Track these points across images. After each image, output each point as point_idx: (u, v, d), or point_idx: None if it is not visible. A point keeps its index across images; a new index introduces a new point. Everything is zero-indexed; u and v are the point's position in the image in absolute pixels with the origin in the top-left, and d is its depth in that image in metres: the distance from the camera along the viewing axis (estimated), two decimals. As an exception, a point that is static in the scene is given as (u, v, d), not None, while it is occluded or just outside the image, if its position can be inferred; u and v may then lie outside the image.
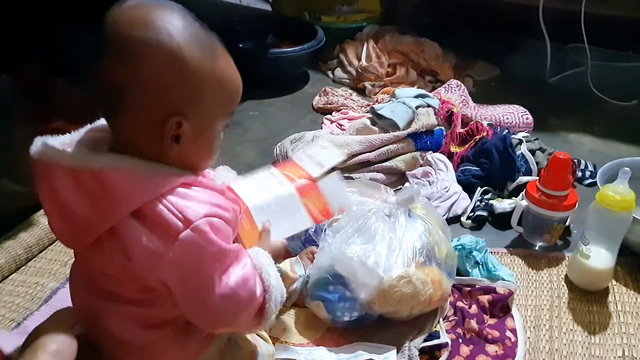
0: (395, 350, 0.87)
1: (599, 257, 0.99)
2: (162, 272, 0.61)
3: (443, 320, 0.94)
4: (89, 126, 0.67)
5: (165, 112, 0.60)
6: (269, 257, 0.71)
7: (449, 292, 0.95)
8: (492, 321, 0.95)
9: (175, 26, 0.60)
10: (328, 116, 1.63)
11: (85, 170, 0.60)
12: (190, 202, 0.61)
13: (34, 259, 1.07)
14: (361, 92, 1.78)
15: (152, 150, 0.62)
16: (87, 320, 0.70)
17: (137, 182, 0.60)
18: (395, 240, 0.93)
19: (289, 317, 0.95)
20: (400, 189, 1.29)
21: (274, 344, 0.86)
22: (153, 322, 0.67)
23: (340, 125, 1.57)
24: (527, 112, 1.50)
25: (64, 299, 0.96)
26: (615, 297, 1.00)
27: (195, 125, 0.63)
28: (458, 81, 1.57)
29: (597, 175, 1.16)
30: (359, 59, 1.85)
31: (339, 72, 1.88)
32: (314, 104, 1.71)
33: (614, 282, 1.03)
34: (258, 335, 0.80)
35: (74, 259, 0.72)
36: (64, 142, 0.63)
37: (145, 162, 0.61)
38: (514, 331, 0.92)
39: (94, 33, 0.61)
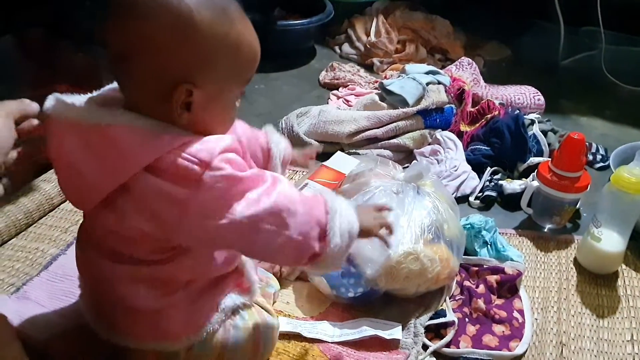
0: (400, 327, 0.85)
1: (610, 240, 0.97)
2: (189, 221, 0.58)
3: (450, 299, 0.93)
4: (109, 85, 0.65)
5: (173, 79, 0.58)
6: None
7: (456, 271, 0.94)
8: (499, 301, 0.93)
9: None
10: (335, 92, 1.60)
11: (91, 126, 0.57)
12: (202, 145, 0.58)
13: (34, 225, 1.05)
14: (369, 68, 1.75)
15: (163, 115, 0.59)
16: (97, 286, 0.68)
17: (145, 139, 0.57)
18: (403, 217, 0.91)
19: (293, 291, 0.94)
20: (408, 166, 1.27)
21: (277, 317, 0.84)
22: (166, 287, 0.66)
23: (347, 101, 1.54)
24: (539, 93, 1.47)
25: (64, 266, 0.95)
26: (624, 281, 0.99)
27: (208, 93, 0.60)
28: (469, 59, 1.54)
29: (611, 158, 1.14)
30: (368, 35, 1.81)
31: (346, 48, 1.85)
32: (321, 79, 1.67)
33: (624, 266, 1.01)
34: (263, 308, 0.78)
35: (81, 222, 0.70)
36: (80, 99, 0.61)
37: (155, 121, 0.59)
38: (521, 312, 0.91)
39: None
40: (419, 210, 0.92)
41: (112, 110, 0.59)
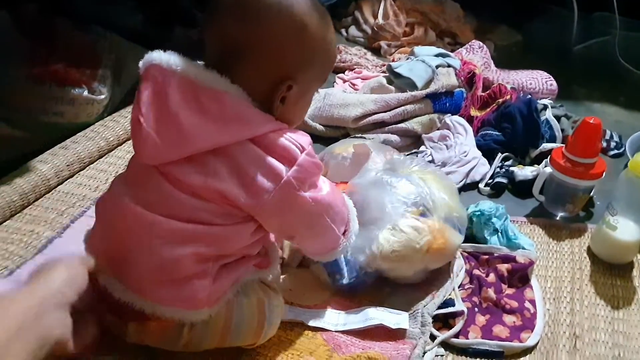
0: (407, 315, 0.82)
1: (626, 229, 0.93)
2: (280, 193, 0.64)
3: (458, 287, 0.89)
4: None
5: (280, 75, 0.64)
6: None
7: (456, 245, 0.89)
8: (510, 291, 0.90)
9: None
10: (341, 75, 1.55)
11: (206, 86, 0.61)
12: (298, 134, 0.66)
13: (29, 207, 1.02)
14: (376, 52, 1.70)
15: (261, 103, 0.64)
16: (130, 241, 0.65)
17: (258, 115, 0.63)
18: (388, 199, 0.87)
19: (295, 278, 0.90)
20: (415, 152, 1.24)
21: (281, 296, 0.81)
22: (205, 254, 0.65)
23: (354, 84, 1.50)
24: (552, 78, 1.43)
25: (59, 249, 0.92)
26: (640, 271, 0.95)
27: (301, 89, 0.66)
28: (480, 42, 1.49)
29: (627, 144, 1.10)
30: (375, 17, 1.76)
31: (353, 31, 1.80)
32: (327, 62, 1.63)
33: (639, 256, 0.98)
34: (268, 286, 0.76)
35: (122, 176, 0.70)
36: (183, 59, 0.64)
37: (259, 104, 0.64)
38: (533, 302, 0.87)
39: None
40: (402, 189, 0.88)
41: (227, 80, 0.62)
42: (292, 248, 0.91)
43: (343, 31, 1.83)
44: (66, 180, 1.09)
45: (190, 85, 0.61)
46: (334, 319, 0.83)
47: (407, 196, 0.87)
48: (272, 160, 0.63)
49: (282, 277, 0.88)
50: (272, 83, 0.64)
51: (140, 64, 0.64)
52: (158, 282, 0.65)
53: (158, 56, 0.63)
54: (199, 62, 0.65)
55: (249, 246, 0.70)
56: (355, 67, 1.57)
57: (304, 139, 0.66)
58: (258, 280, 0.75)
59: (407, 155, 1.21)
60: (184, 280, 0.65)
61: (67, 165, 1.08)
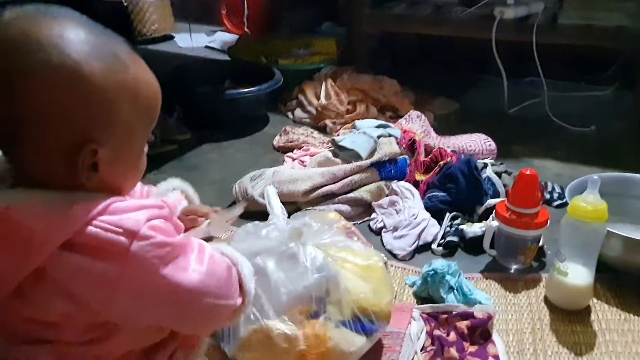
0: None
1: (577, 274, 0.94)
2: (122, 298, 0.53)
3: (421, 351, 0.87)
4: None
5: (75, 143, 0.52)
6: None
7: (350, 351, 0.77)
8: (472, 348, 0.87)
9: (67, 40, 0.50)
10: (289, 154, 1.58)
11: None
12: (125, 214, 0.52)
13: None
14: (322, 130, 1.75)
15: (67, 183, 0.53)
16: None
17: (54, 214, 0.51)
18: (280, 284, 0.77)
19: None
20: (367, 220, 1.24)
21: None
22: None
23: (302, 162, 1.52)
24: (490, 140, 1.49)
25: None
26: (598, 315, 0.95)
27: (114, 148, 0.55)
28: (418, 112, 1.56)
29: (566, 192, 1.14)
30: (318, 98, 1.83)
31: (299, 112, 1.86)
32: (275, 143, 1.66)
33: (595, 300, 0.98)
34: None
35: None
36: None
37: (59, 193, 0.53)
38: (496, 357, 0.85)
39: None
40: (294, 275, 0.78)
41: (8, 189, 0.52)
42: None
43: (289, 114, 1.88)
44: None
45: None
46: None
47: (299, 286, 0.76)
48: (94, 264, 0.51)
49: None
50: (67, 155, 0.52)
51: None
52: None
53: None
54: None
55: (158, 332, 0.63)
56: (302, 145, 1.61)
57: (137, 216, 0.52)
58: None
59: (359, 223, 1.23)
60: None
61: None
